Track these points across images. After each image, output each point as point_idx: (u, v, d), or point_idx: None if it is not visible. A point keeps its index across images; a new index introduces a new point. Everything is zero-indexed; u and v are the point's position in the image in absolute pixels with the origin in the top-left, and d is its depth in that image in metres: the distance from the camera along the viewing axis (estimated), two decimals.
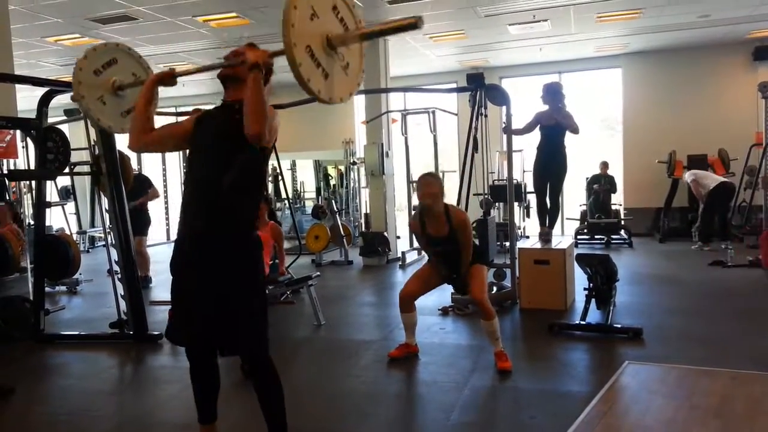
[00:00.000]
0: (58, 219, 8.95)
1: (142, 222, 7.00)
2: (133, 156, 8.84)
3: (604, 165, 10.12)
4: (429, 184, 3.89)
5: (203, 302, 2.36)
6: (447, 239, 3.93)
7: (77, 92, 2.90)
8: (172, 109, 8.55)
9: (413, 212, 4.31)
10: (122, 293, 4.87)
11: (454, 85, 10.91)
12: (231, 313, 2.34)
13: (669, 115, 10.64)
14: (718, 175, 9.08)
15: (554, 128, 5.82)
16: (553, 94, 5.84)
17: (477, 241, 4.53)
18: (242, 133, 2.24)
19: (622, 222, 9.87)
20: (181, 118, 2.79)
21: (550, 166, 5.94)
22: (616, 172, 10.69)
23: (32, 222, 6.19)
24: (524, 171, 10.55)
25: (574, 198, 11.12)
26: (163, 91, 2.66)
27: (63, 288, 7.15)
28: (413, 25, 2.04)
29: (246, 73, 2.23)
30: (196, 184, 2.42)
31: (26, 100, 6.55)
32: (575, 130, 5.76)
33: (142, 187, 7.08)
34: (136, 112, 2.51)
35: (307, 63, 2.08)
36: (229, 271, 2.34)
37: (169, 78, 2.53)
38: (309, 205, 11.08)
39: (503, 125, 5.81)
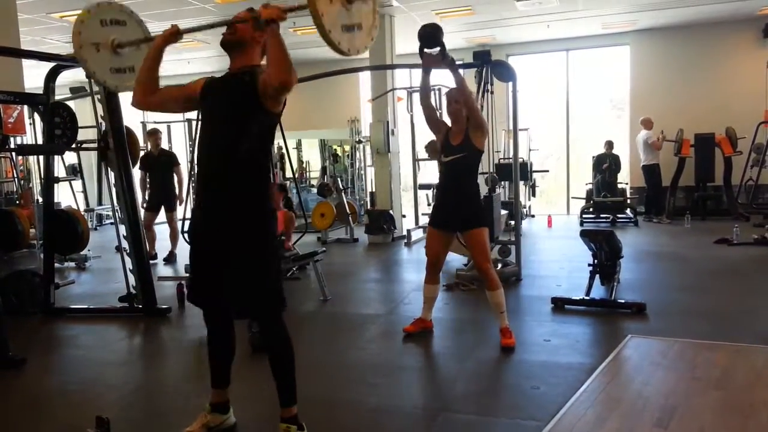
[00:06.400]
0: (65, 197, 9.01)
1: (170, 197, 7.21)
2: (164, 131, 8.97)
3: (609, 144, 10.07)
4: (452, 102, 4.02)
5: (219, 265, 2.42)
6: (461, 146, 3.89)
7: (76, 44, 2.93)
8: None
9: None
10: (131, 268, 4.93)
11: (459, 63, 10.82)
12: (245, 275, 2.40)
13: (676, 93, 10.55)
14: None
15: None
16: None
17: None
18: (253, 99, 2.32)
19: (628, 201, 9.86)
20: None
21: None
22: (623, 151, 10.64)
23: (41, 198, 6.23)
24: (530, 150, 10.53)
25: (580, 177, 11.10)
26: (166, 70, 2.67)
27: (72, 264, 7.23)
28: None
29: (251, 35, 2.38)
30: (212, 150, 2.47)
31: (33, 77, 6.56)
32: None
33: (170, 161, 7.28)
34: (144, 71, 2.55)
35: (330, 14, 2.17)
36: (244, 234, 2.40)
37: (175, 36, 2.58)
38: (314, 184, 11.10)
39: None
